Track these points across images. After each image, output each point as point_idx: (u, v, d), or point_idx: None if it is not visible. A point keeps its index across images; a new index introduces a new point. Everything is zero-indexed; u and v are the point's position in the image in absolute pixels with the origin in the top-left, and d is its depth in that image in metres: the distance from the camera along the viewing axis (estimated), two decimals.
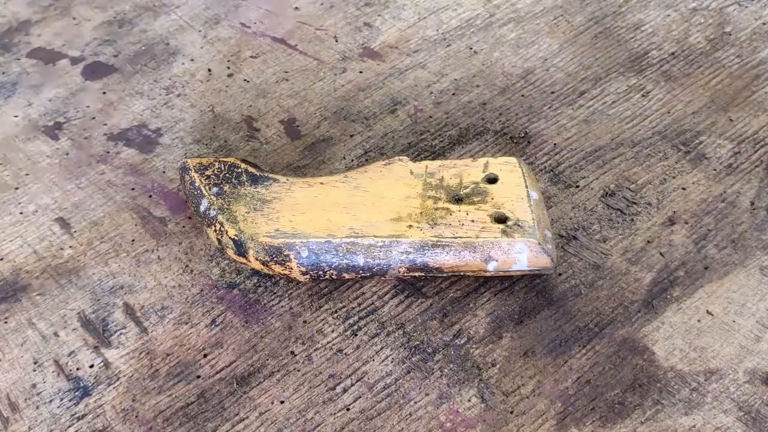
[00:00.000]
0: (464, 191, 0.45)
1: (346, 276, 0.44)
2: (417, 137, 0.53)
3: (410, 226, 0.44)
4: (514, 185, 0.45)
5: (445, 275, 0.44)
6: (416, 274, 0.44)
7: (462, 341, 0.44)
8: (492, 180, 0.45)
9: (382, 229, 0.44)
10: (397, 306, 0.45)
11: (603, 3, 0.60)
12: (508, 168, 0.46)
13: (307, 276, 0.45)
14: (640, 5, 0.59)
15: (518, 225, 0.43)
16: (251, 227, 0.45)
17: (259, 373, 0.43)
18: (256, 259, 0.45)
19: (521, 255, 0.43)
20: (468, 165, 0.46)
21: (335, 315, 0.45)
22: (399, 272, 0.44)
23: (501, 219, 0.44)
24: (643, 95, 0.54)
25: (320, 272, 0.44)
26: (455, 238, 0.43)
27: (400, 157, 0.47)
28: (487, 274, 0.44)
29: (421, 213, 0.44)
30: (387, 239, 0.44)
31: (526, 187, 0.45)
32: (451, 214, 0.44)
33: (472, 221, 0.44)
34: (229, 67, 0.56)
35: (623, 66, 0.56)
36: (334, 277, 0.45)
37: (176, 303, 0.45)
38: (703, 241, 0.47)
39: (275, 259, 0.45)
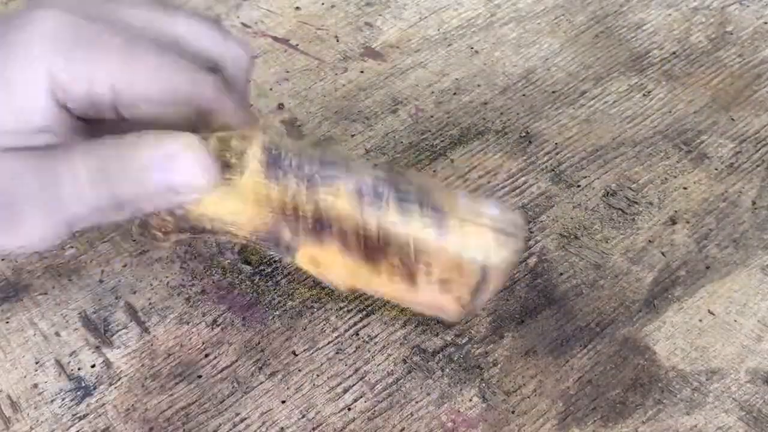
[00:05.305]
0: None
1: None
2: (418, 137, 0.53)
3: None
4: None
5: None
6: None
7: (463, 341, 0.44)
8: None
9: None
10: (398, 305, 0.45)
11: (604, 2, 0.59)
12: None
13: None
14: (642, 5, 0.59)
15: None
16: None
17: (261, 372, 0.43)
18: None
19: None
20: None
21: (337, 315, 0.45)
22: None
23: None
24: (644, 95, 0.54)
25: None
26: None
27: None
28: None
29: None
30: None
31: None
32: None
33: None
34: None
35: (624, 65, 0.56)
36: None
37: (177, 303, 0.45)
38: (704, 240, 0.47)
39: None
